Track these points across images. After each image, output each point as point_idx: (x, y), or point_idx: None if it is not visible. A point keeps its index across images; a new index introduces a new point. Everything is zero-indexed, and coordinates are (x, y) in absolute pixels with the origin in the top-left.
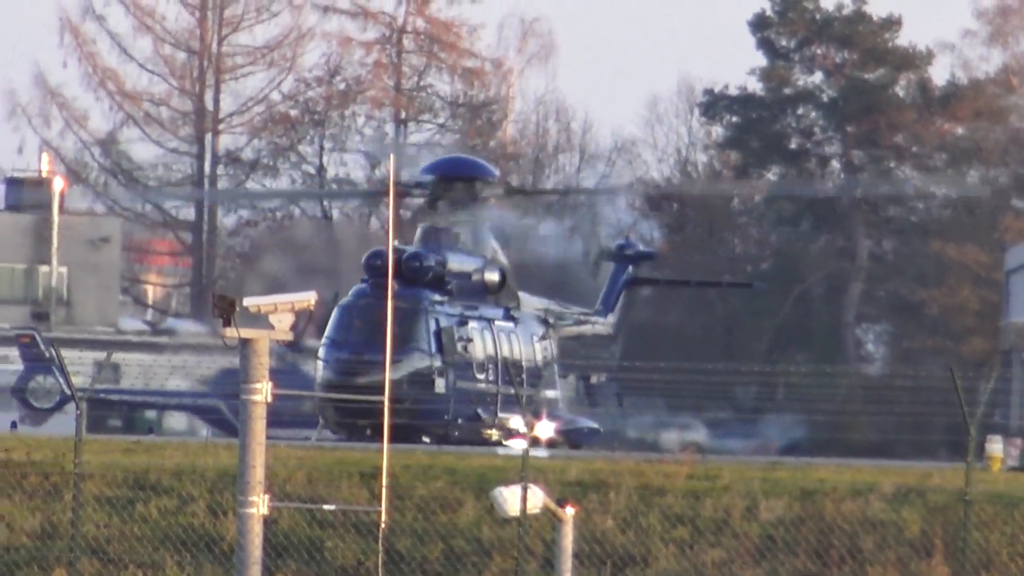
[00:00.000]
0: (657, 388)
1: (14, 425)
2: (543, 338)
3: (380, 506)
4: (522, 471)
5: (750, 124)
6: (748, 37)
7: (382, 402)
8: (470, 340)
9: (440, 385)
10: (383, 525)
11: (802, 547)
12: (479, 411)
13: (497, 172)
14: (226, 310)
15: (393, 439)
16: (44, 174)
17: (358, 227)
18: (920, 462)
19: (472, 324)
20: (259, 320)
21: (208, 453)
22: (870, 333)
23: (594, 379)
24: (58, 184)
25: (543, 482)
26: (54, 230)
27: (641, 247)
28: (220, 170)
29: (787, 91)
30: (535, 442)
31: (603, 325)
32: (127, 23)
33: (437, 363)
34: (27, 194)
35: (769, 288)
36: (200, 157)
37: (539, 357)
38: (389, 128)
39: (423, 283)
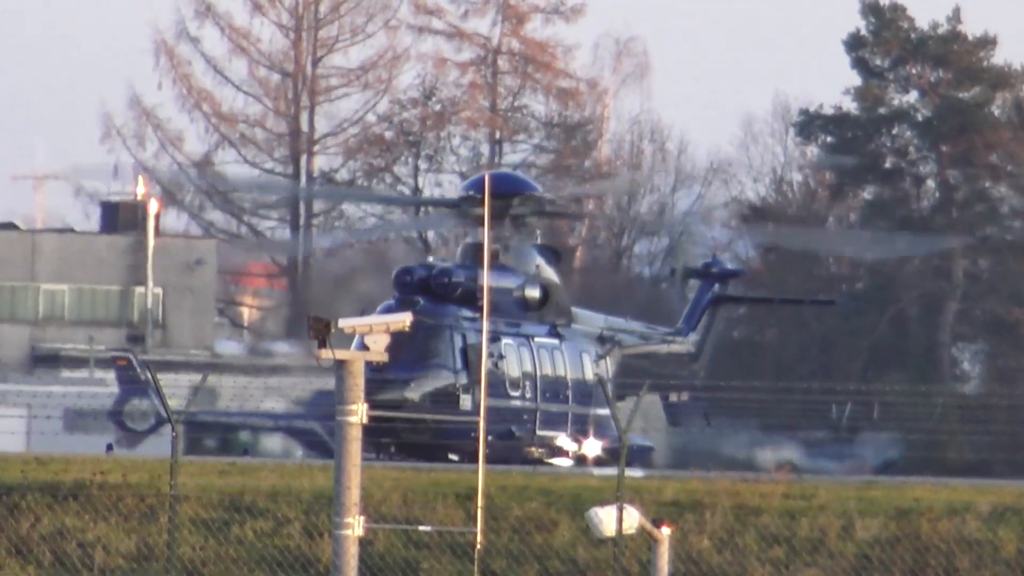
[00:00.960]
0: (750, 407)
1: (110, 447)
2: (597, 355)
3: (476, 527)
4: (618, 491)
5: (845, 143)
6: (843, 56)
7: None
8: (502, 357)
9: (465, 402)
10: (479, 546)
11: (898, 566)
12: (513, 428)
13: (540, 188)
14: (322, 332)
15: (418, 456)
16: (139, 196)
17: (453, 249)
18: (1017, 481)
19: (506, 340)
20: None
21: (303, 475)
22: (966, 352)
23: (674, 397)
24: (153, 206)
25: (639, 502)
26: (149, 252)
27: (728, 265)
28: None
29: (882, 110)
30: (580, 460)
31: (682, 344)
32: (222, 45)
33: (462, 380)
34: (122, 216)
35: (863, 307)
36: (295, 178)
37: (588, 374)
38: (484, 149)
39: (452, 299)
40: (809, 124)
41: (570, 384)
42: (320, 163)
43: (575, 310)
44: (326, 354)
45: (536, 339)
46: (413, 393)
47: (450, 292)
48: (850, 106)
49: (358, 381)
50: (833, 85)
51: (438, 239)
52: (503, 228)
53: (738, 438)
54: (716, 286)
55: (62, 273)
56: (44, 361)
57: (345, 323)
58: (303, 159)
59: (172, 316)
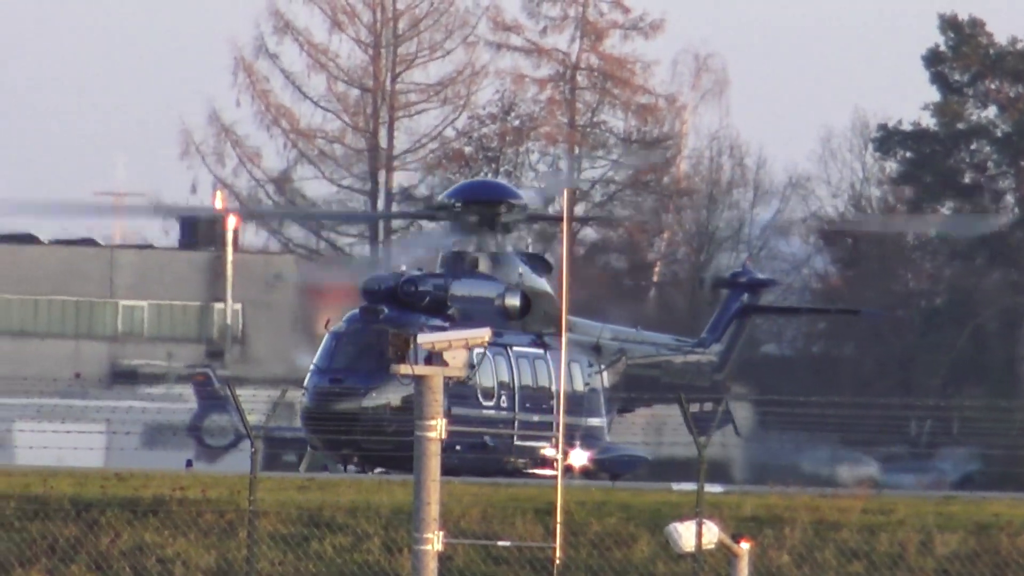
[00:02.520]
0: (828, 422)
1: (189, 463)
2: (590, 365)
3: (555, 542)
4: (697, 506)
5: (924, 159)
6: (922, 72)
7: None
8: (471, 366)
9: None
10: (557, 561)
11: None
12: (485, 439)
13: (523, 195)
14: (401, 347)
15: (381, 466)
16: (217, 212)
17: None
18: None
19: (479, 350)
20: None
21: (383, 490)
22: None
23: (694, 408)
24: (232, 222)
25: (718, 517)
26: (228, 268)
27: (758, 275)
28: (394, 207)
29: (960, 126)
30: (567, 471)
31: (703, 354)
32: (301, 61)
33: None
34: (201, 232)
35: (889, 318)
36: (374, 194)
37: (578, 384)
38: (563, 164)
39: (419, 308)
40: (888, 140)
41: (555, 394)
42: (399, 179)
43: (570, 319)
44: (405, 370)
45: (515, 348)
46: (369, 403)
47: (417, 301)
48: (929, 122)
49: (437, 396)
50: (912, 101)
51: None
52: (485, 236)
53: (816, 453)
54: (745, 296)
55: (141, 289)
56: (123, 377)
57: (424, 339)
58: (382, 175)
59: (251, 332)
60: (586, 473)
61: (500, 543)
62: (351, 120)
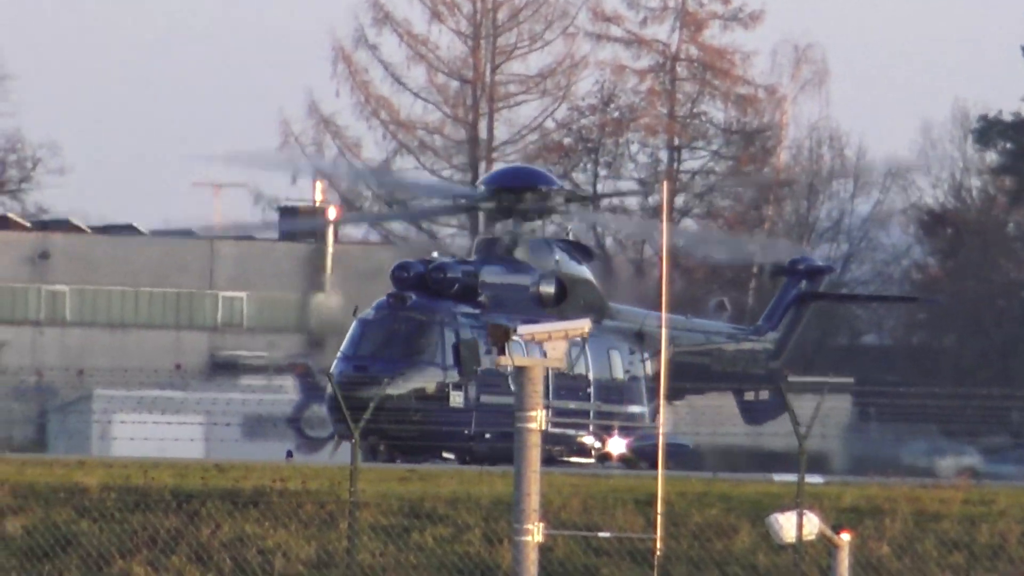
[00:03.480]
0: (929, 413)
1: (290, 454)
2: (629, 352)
3: (655, 534)
4: (797, 497)
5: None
6: (1022, 62)
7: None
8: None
9: (456, 399)
10: (658, 553)
11: None
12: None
13: (558, 181)
14: (501, 339)
15: (410, 454)
16: (318, 203)
17: (632, 254)
18: None
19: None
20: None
21: (483, 481)
22: None
23: (750, 396)
24: (331, 213)
25: (818, 508)
26: (328, 259)
27: (817, 262)
28: None
29: None
30: (604, 458)
31: (757, 341)
32: (400, 52)
33: (454, 377)
34: (301, 223)
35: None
36: (474, 185)
37: (617, 371)
38: (663, 155)
39: (448, 295)
40: (988, 130)
41: (592, 381)
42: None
43: (615, 306)
44: (505, 361)
45: None
46: (395, 390)
47: (446, 287)
48: None
49: (537, 388)
50: (1012, 92)
51: (615, 244)
52: (520, 223)
53: (916, 444)
54: (803, 283)
55: (241, 280)
56: (223, 368)
57: (525, 330)
58: (481, 166)
59: (351, 323)
60: (625, 461)
61: (600, 534)
62: (451, 111)
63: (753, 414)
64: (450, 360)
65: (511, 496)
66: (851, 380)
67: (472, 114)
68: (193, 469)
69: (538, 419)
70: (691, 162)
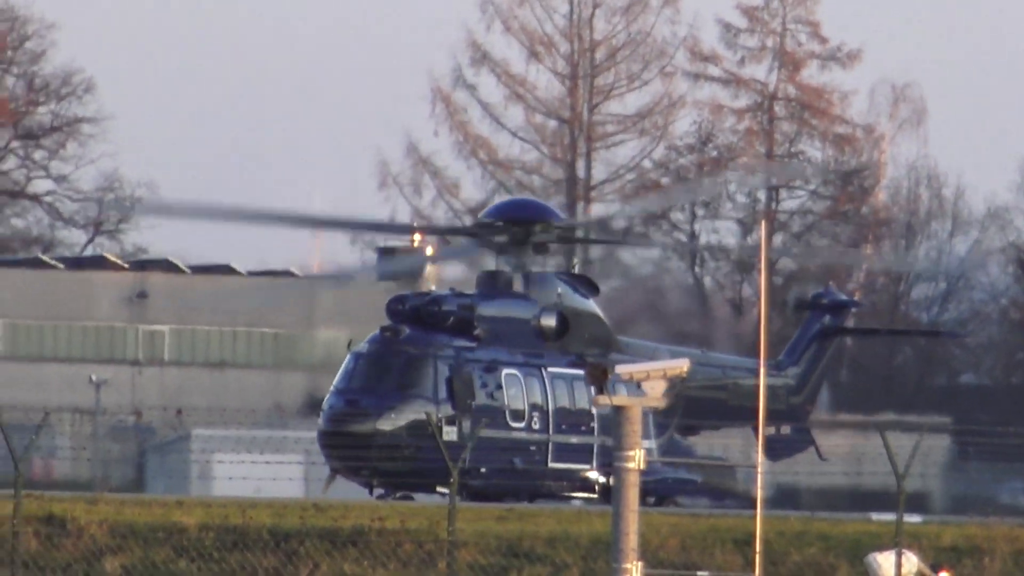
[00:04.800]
0: (1000, 451)
1: (386, 494)
2: (637, 387)
3: (754, 573)
4: (896, 536)
5: None
6: None
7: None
8: (498, 387)
9: (449, 433)
10: None
11: None
12: (515, 461)
13: (563, 215)
14: (599, 378)
15: (402, 487)
16: (415, 243)
17: (730, 294)
18: None
19: (507, 371)
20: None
21: (581, 520)
22: None
23: (770, 430)
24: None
25: (917, 548)
26: None
27: (840, 296)
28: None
29: None
30: (607, 493)
31: (776, 376)
32: (498, 92)
33: (447, 410)
34: (399, 263)
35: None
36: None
37: None
38: (761, 195)
39: (444, 328)
40: None
41: (596, 415)
42: (597, 210)
43: (625, 340)
44: (604, 400)
45: (549, 369)
46: (386, 425)
47: (441, 320)
48: None
49: (636, 427)
50: None
51: (714, 284)
52: (522, 256)
53: (1015, 483)
54: (827, 317)
55: (340, 320)
56: (321, 408)
57: (623, 369)
58: (580, 206)
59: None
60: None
61: (699, 574)
62: (549, 151)
63: (774, 450)
64: (443, 394)
65: (609, 535)
66: (949, 420)
67: (570, 154)
68: (291, 508)
69: (637, 459)
70: (789, 201)
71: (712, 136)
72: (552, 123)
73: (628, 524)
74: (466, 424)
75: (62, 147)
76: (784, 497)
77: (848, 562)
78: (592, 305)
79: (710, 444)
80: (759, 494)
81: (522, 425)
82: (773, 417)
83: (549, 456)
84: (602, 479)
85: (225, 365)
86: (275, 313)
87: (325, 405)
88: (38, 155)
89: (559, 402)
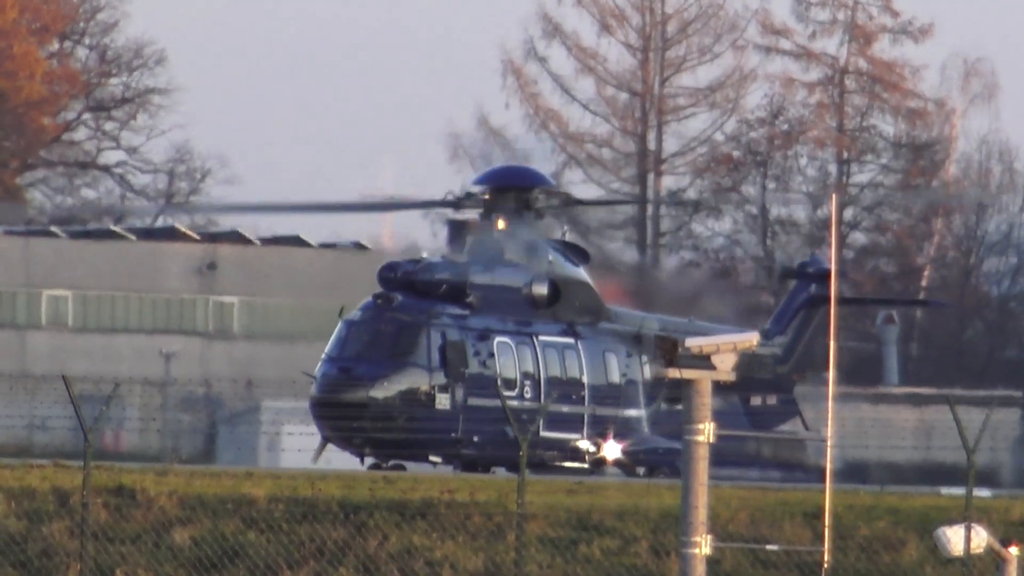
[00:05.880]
0: None
1: (457, 466)
2: (627, 356)
3: (823, 546)
4: (965, 510)
5: None
6: None
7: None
8: (490, 355)
9: (443, 401)
10: (826, 565)
11: None
12: (506, 430)
13: (554, 182)
14: (669, 351)
15: (396, 457)
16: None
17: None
18: None
19: (500, 339)
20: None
21: (650, 493)
22: None
23: (756, 400)
24: (500, 225)
25: (986, 521)
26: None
27: (827, 264)
28: (663, 211)
29: None
30: (599, 463)
31: (764, 346)
32: (569, 65)
33: (439, 379)
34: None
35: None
36: (643, 198)
37: (613, 375)
38: (832, 168)
39: (436, 295)
40: None
41: (587, 385)
42: (667, 183)
43: (614, 309)
44: (673, 373)
45: (541, 337)
46: (378, 392)
47: (434, 288)
48: None
49: (705, 400)
50: None
51: (784, 256)
52: (513, 223)
53: None
54: (813, 287)
55: None
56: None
57: (692, 343)
58: (650, 178)
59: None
60: (620, 465)
61: (768, 547)
62: (620, 124)
63: (760, 419)
64: (436, 361)
65: (678, 508)
66: (1020, 393)
67: (641, 127)
68: (361, 480)
69: (707, 432)
70: (860, 175)
71: (783, 110)
72: (623, 96)
73: (697, 497)
74: (459, 392)
75: (133, 118)
76: (853, 471)
77: (917, 536)
78: (582, 273)
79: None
80: (828, 467)
81: (514, 394)
82: (759, 387)
83: (540, 425)
84: (592, 448)
85: (294, 337)
86: (345, 285)
87: (317, 373)
88: (109, 126)
89: (550, 371)
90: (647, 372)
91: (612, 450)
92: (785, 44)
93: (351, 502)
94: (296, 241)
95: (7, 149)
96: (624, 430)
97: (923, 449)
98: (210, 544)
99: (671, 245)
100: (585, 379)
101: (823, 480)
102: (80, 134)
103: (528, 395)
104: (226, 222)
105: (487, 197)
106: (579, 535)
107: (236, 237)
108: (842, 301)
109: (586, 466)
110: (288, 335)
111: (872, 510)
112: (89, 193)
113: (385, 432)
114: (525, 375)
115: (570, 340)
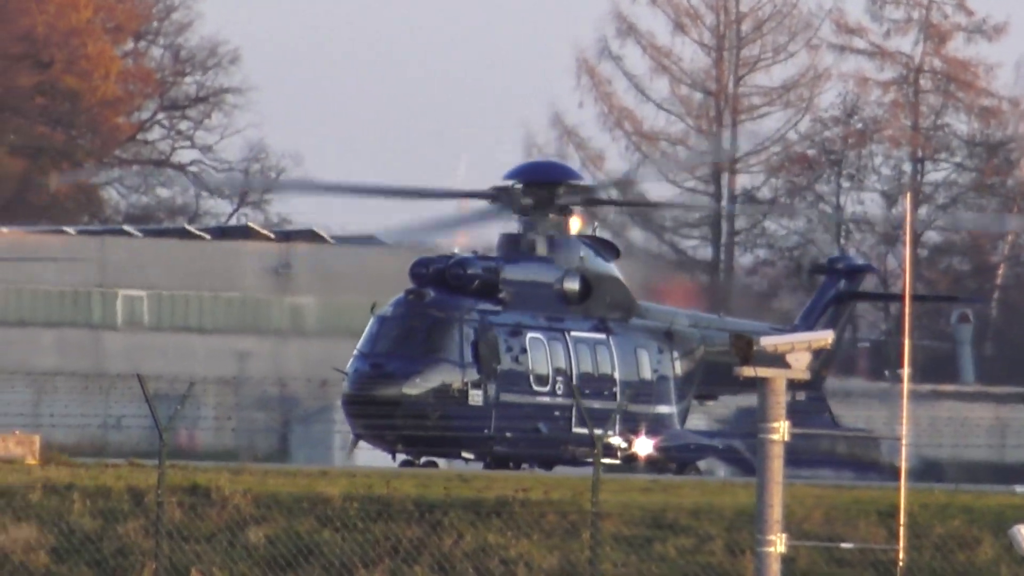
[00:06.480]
0: None
1: (530, 465)
2: (660, 351)
3: (898, 544)
4: None
5: None
6: None
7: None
8: (523, 351)
9: (475, 398)
10: (901, 564)
11: None
12: (539, 426)
13: (584, 177)
14: (744, 350)
15: (429, 454)
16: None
17: (876, 266)
18: None
19: (532, 334)
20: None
21: (726, 492)
22: None
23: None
24: (574, 224)
25: None
26: None
27: (856, 260)
28: (737, 209)
29: None
30: (630, 459)
31: None
32: (644, 63)
33: (472, 375)
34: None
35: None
36: (716, 197)
37: (645, 371)
38: (906, 167)
39: (468, 291)
40: None
41: (618, 380)
42: (742, 181)
43: (644, 304)
44: (748, 372)
45: (573, 333)
46: (411, 388)
47: (466, 284)
48: None
49: (780, 399)
50: None
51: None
52: (544, 219)
53: None
54: (842, 282)
55: None
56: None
57: (767, 341)
58: (724, 177)
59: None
60: (652, 462)
61: (843, 545)
62: (694, 123)
63: (790, 415)
64: (469, 357)
65: (753, 507)
66: None
67: (715, 126)
68: (436, 479)
69: (781, 431)
70: (934, 174)
71: (857, 109)
72: (697, 95)
73: (772, 496)
74: (491, 388)
75: (207, 117)
76: (928, 469)
77: (992, 535)
78: (613, 268)
79: (854, 416)
80: (903, 466)
81: (547, 390)
82: (788, 383)
83: (573, 421)
84: (623, 444)
85: None
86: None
87: (349, 369)
88: (183, 125)
89: (582, 367)
90: (678, 368)
91: (644, 446)
92: (859, 43)
93: (426, 500)
94: (370, 240)
95: (82, 148)
96: (656, 426)
97: (998, 447)
98: (285, 543)
99: (745, 243)
100: (617, 375)
101: (897, 478)
102: (154, 133)
103: (560, 391)
104: (298, 220)
105: (519, 192)
106: (654, 533)
107: (310, 236)
108: (868, 297)
109: (618, 462)
110: (362, 334)
111: (946, 508)
112: (163, 192)
113: (417, 429)
114: (557, 371)
115: (602, 336)
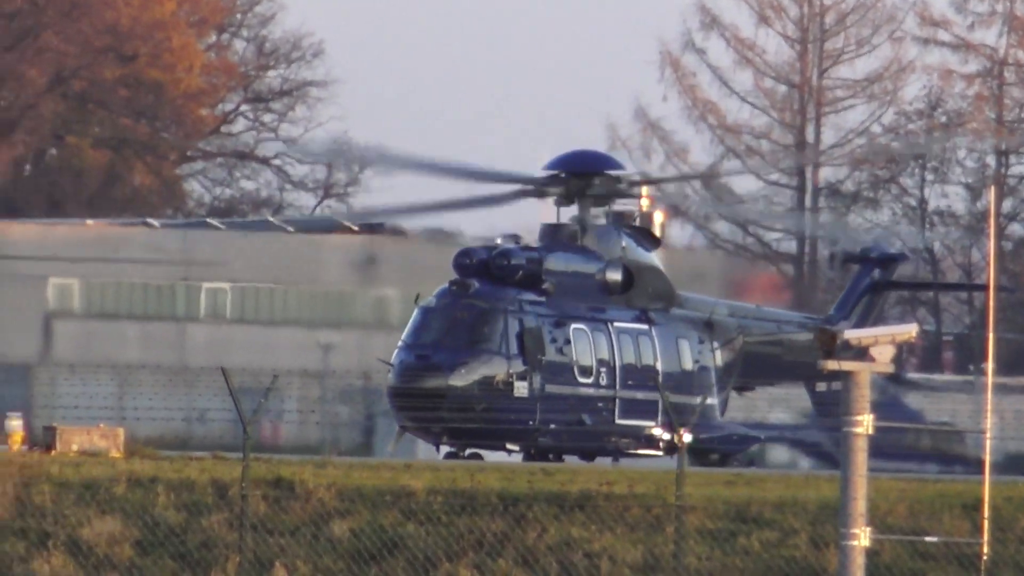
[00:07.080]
0: None
1: (616, 459)
2: (701, 342)
3: (982, 538)
4: None
5: None
6: None
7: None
8: (567, 342)
9: (521, 389)
10: (985, 557)
11: None
12: (584, 417)
13: (625, 165)
14: (828, 343)
15: (474, 446)
16: (644, 208)
17: (960, 259)
18: None
19: (576, 325)
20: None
21: (809, 485)
22: None
23: (822, 386)
24: (658, 217)
25: None
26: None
27: (891, 250)
28: (821, 202)
29: None
30: (672, 449)
31: None
32: (727, 56)
33: (517, 366)
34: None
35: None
36: (801, 190)
37: (686, 361)
38: (991, 160)
39: (512, 282)
40: None
41: (660, 371)
42: (826, 174)
43: (684, 295)
44: (832, 365)
45: (616, 324)
46: (456, 380)
47: (510, 274)
48: None
49: (864, 392)
50: None
51: (943, 249)
52: (586, 209)
53: None
54: (876, 272)
55: None
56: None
57: (851, 334)
58: (808, 171)
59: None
60: (693, 452)
61: (927, 539)
62: (778, 116)
63: (825, 406)
64: (514, 348)
65: (838, 500)
66: None
67: (799, 118)
68: (520, 472)
69: (865, 424)
70: (1019, 166)
71: (941, 101)
72: (781, 88)
73: (856, 489)
74: (536, 380)
75: (291, 110)
76: (1012, 463)
77: None
78: (654, 258)
79: (938, 409)
80: (987, 459)
81: (590, 381)
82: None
83: (616, 412)
84: (667, 436)
85: None
86: None
87: (394, 360)
88: (267, 118)
89: (626, 358)
90: (718, 358)
91: (686, 437)
92: (943, 36)
93: (510, 494)
94: (453, 234)
95: (166, 141)
96: (699, 417)
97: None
98: (369, 536)
99: (827, 236)
100: (659, 365)
101: (981, 472)
102: (238, 126)
103: (604, 382)
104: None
105: (561, 181)
106: (738, 527)
107: (394, 229)
108: (903, 286)
109: (660, 453)
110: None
111: None
112: (248, 185)
113: (462, 421)
114: (600, 362)
115: (644, 326)
